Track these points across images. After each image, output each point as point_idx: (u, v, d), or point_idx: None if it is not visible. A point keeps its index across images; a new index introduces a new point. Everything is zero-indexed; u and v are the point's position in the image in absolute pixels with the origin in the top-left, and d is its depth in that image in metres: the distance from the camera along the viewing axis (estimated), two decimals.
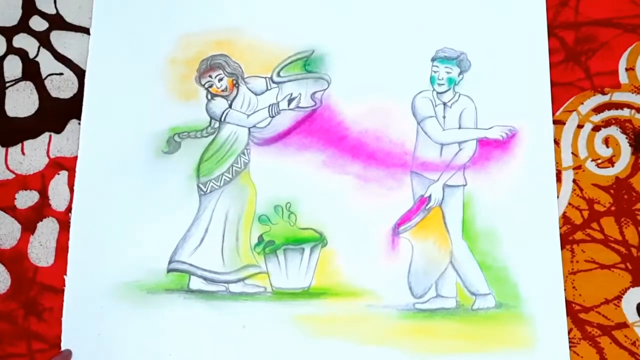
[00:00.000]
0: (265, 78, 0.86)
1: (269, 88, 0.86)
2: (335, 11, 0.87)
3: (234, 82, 0.86)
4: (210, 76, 0.86)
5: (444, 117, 0.83)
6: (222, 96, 0.86)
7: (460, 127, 0.83)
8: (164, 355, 0.81)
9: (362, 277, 0.81)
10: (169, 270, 0.83)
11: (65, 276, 0.83)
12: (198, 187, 0.84)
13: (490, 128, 0.83)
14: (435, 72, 0.84)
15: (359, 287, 0.81)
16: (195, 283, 0.82)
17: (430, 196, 0.82)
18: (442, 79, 0.84)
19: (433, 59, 0.85)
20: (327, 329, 0.80)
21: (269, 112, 0.85)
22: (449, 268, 0.81)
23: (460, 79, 0.84)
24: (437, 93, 0.84)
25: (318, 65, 0.86)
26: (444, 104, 0.84)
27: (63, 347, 0.82)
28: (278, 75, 0.86)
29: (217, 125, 0.85)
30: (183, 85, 0.87)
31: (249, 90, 0.86)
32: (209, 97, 0.86)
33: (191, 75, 0.87)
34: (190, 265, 0.82)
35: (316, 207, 0.83)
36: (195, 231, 0.83)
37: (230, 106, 0.86)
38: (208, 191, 0.84)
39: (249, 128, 0.85)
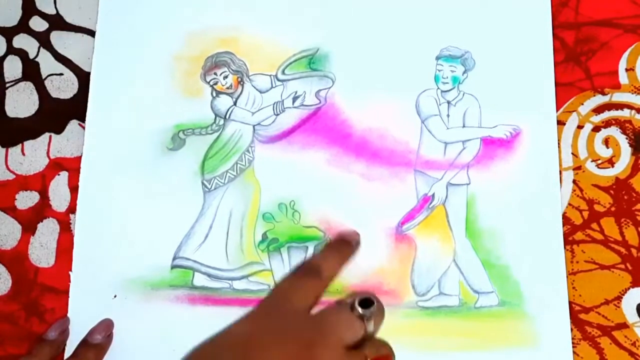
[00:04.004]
0: (270, 76, 0.86)
1: (274, 86, 0.86)
2: (340, 9, 0.87)
3: (239, 79, 0.86)
4: (215, 73, 0.86)
5: (448, 115, 0.84)
6: (227, 94, 0.86)
7: (464, 126, 0.83)
8: (167, 351, 0.79)
9: (366, 275, 0.81)
10: (173, 267, 0.82)
11: (70, 272, 0.83)
12: (202, 184, 0.84)
13: (494, 127, 0.83)
14: (439, 70, 0.84)
15: (361, 285, 0.80)
16: (199, 279, 0.82)
17: (433, 195, 0.82)
18: (447, 77, 0.84)
19: (437, 58, 0.85)
20: None
21: (273, 110, 0.85)
22: (452, 266, 0.80)
23: (464, 77, 0.84)
24: (441, 92, 0.84)
25: (323, 63, 0.86)
26: (448, 102, 0.84)
27: (68, 342, 0.81)
28: (283, 73, 0.86)
29: (221, 122, 0.85)
30: (188, 83, 0.87)
31: (254, 87, 0.86)
32: (214, 94, 0.86)
33: (196, 72, 0.87)
34: (194, 261, 0.82)
35: (320, 205, 0.83)
36: (200, 228, 0.83)
37: (235, 104, 0.86)
38: (212, 188, 0.84)
39: (254, 126, 0.85)
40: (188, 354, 0.60)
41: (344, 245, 0.71)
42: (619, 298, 0.79)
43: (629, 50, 0.84)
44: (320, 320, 0.63)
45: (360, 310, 0.64)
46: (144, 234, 0.83)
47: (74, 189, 0.86)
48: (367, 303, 0.65)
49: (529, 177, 0.81)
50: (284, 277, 0.66)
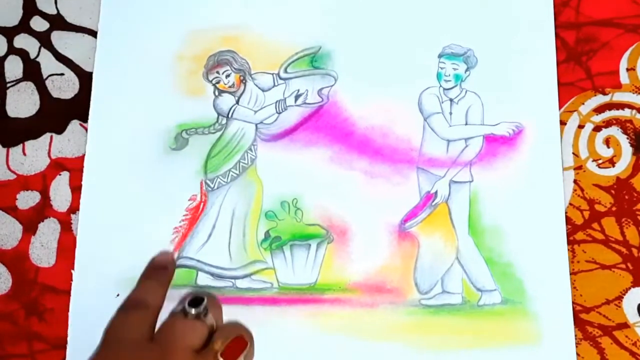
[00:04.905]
0: (272, 74, 0.86)
1: (276, 84, 0.86)
2: (342, 7, 0.88)
3: (241, 78, 0.86)
4: (217, 72, 0.87)
5: (451, 113, 0.84)
6: (230, 92, 0.86)
7: (466, 124, 0.84)
8: None
9: (368, 273, 0.81)
10: (176, 266, 0.82)
11: (72, 271, 0.83)
12: (205, 183, 0.84)
13: (496, 124, 0.83)
14: (442, 68, 0.85)
15: (364, 283, 0.81)
16: (203, 279, 0.82)
17: (436, 192, 0.82)
18: (449, 75, 0.84)
19: (440, 55, 0.85)
20: (333, 325, 0.80)
21: (276, 108, 0.85)
22: (455, 264, 0.81)
23: (467, 75, 0.84)
24: (444, 89, 0.84)
25: (325, 61, 0.86)
26: (451, 100, 0.84)
27: (69, 342, 0.82)
28: (285, 71, 0.86)
29: (224, 121, 0.85)
30: (191, 82, 0.87)
31: (256, 86, 0.86)
32: (217, 93, 0.86)
33: (199, 71, 0.87)
34: (198, 261, 0.82)
35: (323, 203, 0.83)
36: (203, 227, 0.83)
37: (237, 102, 0.86)
38: (215, 187, 0.84)
39: (256, 124, 0.85)
40: None
41: (160, 272, 0.78)
42: (619, 298, 0.79)
43: (629, 50, 0.85)
44: (159, 340, 0.69)
45: (193, 310, 0.68)
46: (147, 233, 0.83)
47: (75, 189, 0.86)
48: (197, 301, 0.68)
49: (532, 174, 0.81)
50: (113, 317, 0.72)
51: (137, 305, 0.74)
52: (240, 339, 0.70)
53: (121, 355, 0.68)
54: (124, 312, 0.75)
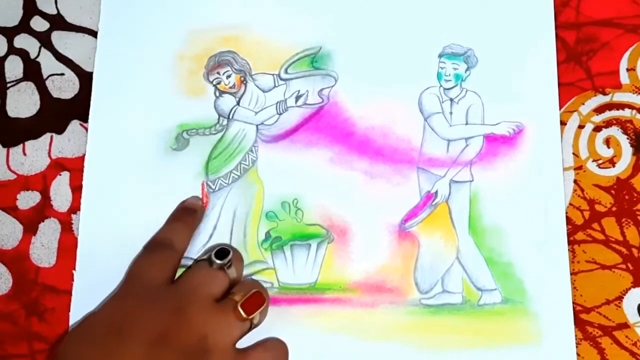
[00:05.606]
0: (273, 75, 0.87)
1: (277, 85, 0.86)
2: (342, 8, 0.88)
3: (242, 79, 0.87)
4: (218, 73, 0.87)
5: (451, 113, 0.84)
6: (230, 93, 0.87)
7: (467, 123, 0.84)
8: None
9: (368, 272, 0.81)
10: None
11: (73, 271, 0.84)
12: (207, 184, 0.84)
13: (497, 124, 0.84)
14: (442, 68, 0.85)
15: (364, 282, 0.81)
16: None
17: (436, 192, 0.82)
18: (449, 75, 0.85)
19: (440, 55, 0.86)
20: (333, 325, 0.80)
21: (276, 109, 0.86)
22: (456, 264, 0.81)
23: (467, 75, 0.85)
24: (444, 89, 0.85)
25: (325, 62, 0.86)
26: (451, 100, 0.84)
27: None
28: (286, 72, 0.86)
29: (225, 122, 0.86)
30: (191, 82, 0.87)
31: (257, 87, 0.86)
32: (217, 94, 0.87)
33: (199, 71, 0.87)
34: None
35: (323, 203, 0.83)
36: (204, 228, 0.83)
37: (238, 103, 0.86)
38: (217, 189, 0.84)
39: (257, 125, 0.86)
40: (66, 335, 0.69)
41: (188, 214, 0.80)
42: (620, 298, 0.80)
43: (630, 50, 0.85)
44: (182, 284, 0.71)
45: (218, 261, 0.71)
46: (148, 234, 0.83)
47: (75, 189, 0.86)
48: (224, 253, 0.71)
49: (532, 173, 0.82)
50: (138, 256, 0.75)
51: (162, 246, 0.77)
52: (259, 295, 0.73)
53: (140, 294, 0.70)
54: (149, 251, 0.77)
